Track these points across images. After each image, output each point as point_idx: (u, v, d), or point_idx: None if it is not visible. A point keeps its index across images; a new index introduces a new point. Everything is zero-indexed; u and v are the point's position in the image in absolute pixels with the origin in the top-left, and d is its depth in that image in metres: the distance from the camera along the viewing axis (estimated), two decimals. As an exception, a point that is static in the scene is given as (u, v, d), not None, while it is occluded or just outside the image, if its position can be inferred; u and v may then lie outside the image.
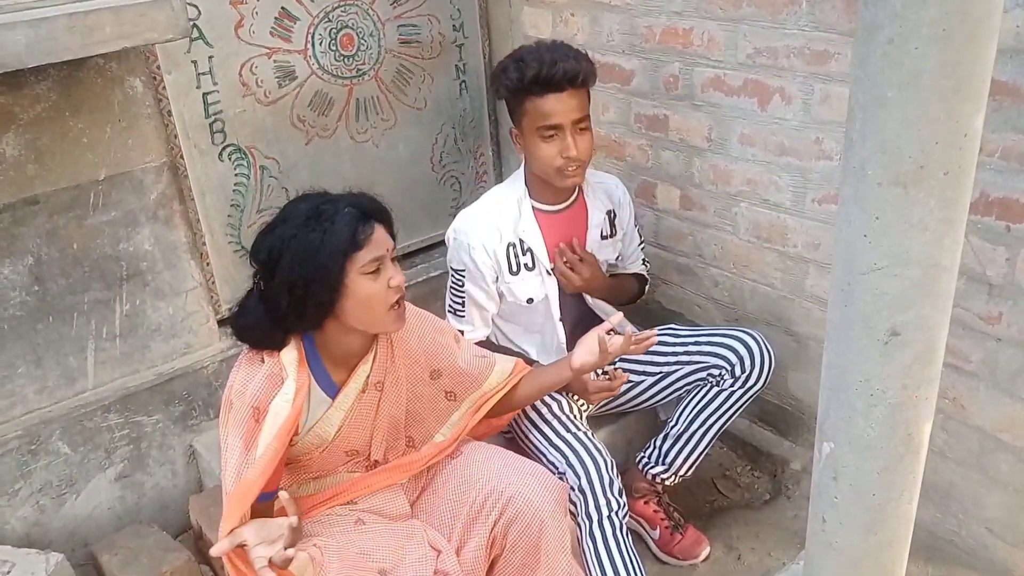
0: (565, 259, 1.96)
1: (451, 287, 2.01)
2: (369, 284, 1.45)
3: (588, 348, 1.74)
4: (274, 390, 1.47)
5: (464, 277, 1.96)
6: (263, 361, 1.49)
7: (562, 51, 1.83)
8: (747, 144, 2.05)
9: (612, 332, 1.79)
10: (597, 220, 2.04)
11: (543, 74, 1.79)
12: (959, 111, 0.91)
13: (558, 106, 1.81)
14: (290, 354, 1.49)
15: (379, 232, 1.47)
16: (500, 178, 2.81)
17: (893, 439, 1.13)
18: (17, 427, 1.93)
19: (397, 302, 1.49)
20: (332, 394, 1.56)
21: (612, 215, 2.07)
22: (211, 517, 2.03)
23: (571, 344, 2.05)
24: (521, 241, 1.95)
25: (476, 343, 1.98)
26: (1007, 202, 1.60)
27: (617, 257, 2.12)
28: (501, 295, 1.99)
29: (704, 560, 2.05)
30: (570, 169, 1.86)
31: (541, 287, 1.98)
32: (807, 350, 2.13)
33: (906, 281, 1.01)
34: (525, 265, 1.96)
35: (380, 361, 1.60)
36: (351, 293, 1.44)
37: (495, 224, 1.94)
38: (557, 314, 2.01)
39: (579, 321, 2.07)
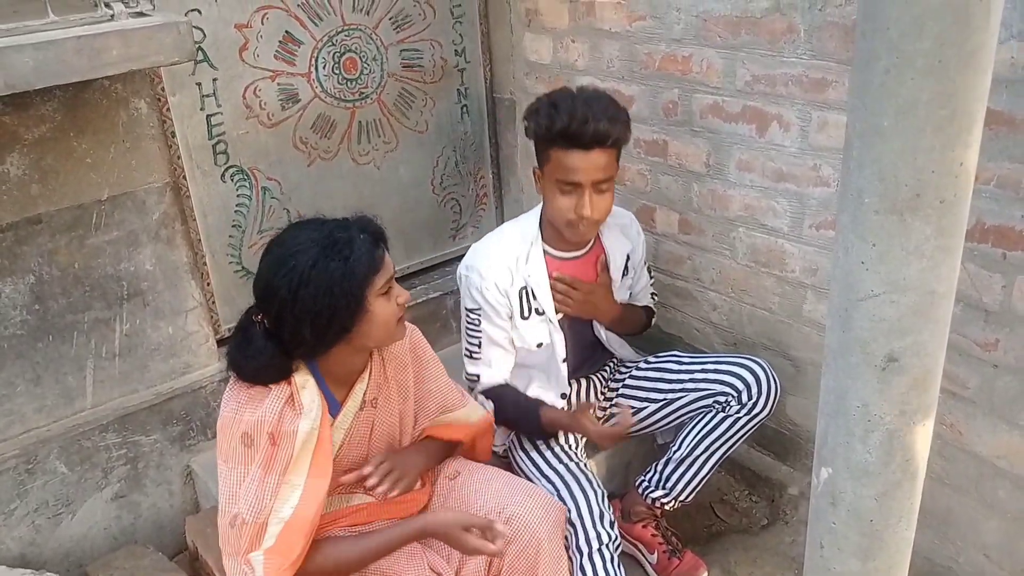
0: (559, 291, 1.94)
1: (466, 329, 1.95)
2: (385, 304, 1.49)
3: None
4: (290, 414, 1.46)
5: (479, 315, 1.91)
6: (270, 388, 1.48)
7: (599, 107, 1.75)
8: (745, 170, 2.07)
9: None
10: (618, 263, 2.02)
11: (571, 129, 1.73)
12: (954, 140, 0.93)
13: (581, 164, 1.75)
14: (303, 377, 1.49)
15: (386, 254, 1.51)
16: (500, 201, 2.83)
17: (891, 465, 1.13)
18: (15, 446, 1.93)
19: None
20: (335, 414, 1.57)
21: (628, 258, 2.05)
22: (207, 538, 2.01)
23: (572, 378, 2.07)
24: (531, 288, 1.92)
25: (493, 386, 1.95)
26: (1003, 230, 1.62)
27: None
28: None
29: (702, 585, 2.04)
30: (581, 226, 1.83)
31: (548, 334, 1.96)
32: (805, 375, 2.14)
33: (903, 307, 1.02)
34: (536, 310, 1.93)
35: (374, 378, 1.62)
36: (371, 315, 1.47)
37: (506, 265, 1.90)
38: (561, 356, 1.99)
39: (584, 359, 2.08)
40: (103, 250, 1.96)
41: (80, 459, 2.01)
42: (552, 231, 1.93)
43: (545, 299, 1.93)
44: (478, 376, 1.95)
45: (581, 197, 1.79)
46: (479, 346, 1.94)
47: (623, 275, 2.06)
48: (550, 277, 1.93)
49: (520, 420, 1.94)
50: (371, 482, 1.57)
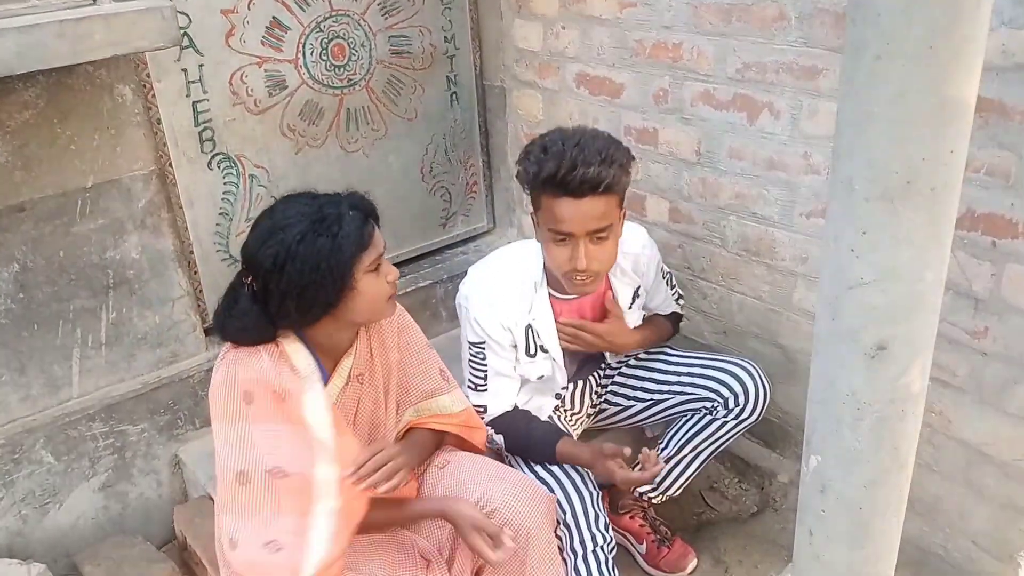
0: (567, 335, 1.89)
1: (470, 361, 1.88)
2: (373, 281, 1.49)
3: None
4: (289, 373, 1.48)
5: (484, 348, 1.85)
6: (260, 351, 1.49)
7: (591, 151, 1.62)
8: (736, 158, 2.06)
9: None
10: (626, 298, 1.95)
11: (559, 176, 1.61)
12: (945, 128, 0.93)
13: (572, 213, 1.63)
14: (293, 344, 1.51)
15: (376, 231, 1.51)
16: (490, 189, 2.81)
17: (880, 452, 1.13)
18: (0, 436, 1.91)
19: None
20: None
21: (637, 289, 1.98)
22: (196, 527, 2.01)
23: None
24: (537, 330, 1.87)
25: (500, 416, 1.90)
26: (993, 217, 1.62)
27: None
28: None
29: (691, 573, 2.05)
30: (578, 279, 1.72)
31: (551, 367, 1.93)
32: (795, 363, 2.14)
33: (893, 295, 1.02)
34: (541, 347, 1.89)
35: (361, 354, 1.62)
36: (358, 291, 1.47)
37: (510, 303, 1.83)
38: (561, 384, 1.97)
39: (581, 366, 2.06)
40: (88, 238, 1.94)
41: (67, 449, 2.00)
42: (554, 276, 1.84)
43: (550, 340, 1.88)
44: (485, 407, 1.89)
45: (576, 248, 1.67)
46: (485, 379, 1.88)
47: (632, 302, 1.99)
48: (556, 320, 1.88)
49: (531, 450, 1.88)
50: (363, 471, 1.47)
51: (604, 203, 1.65)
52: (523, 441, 1.88)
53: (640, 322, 2.03)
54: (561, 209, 1.65)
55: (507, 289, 1.84)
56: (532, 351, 1.89)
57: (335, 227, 1.43)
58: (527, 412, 1.93)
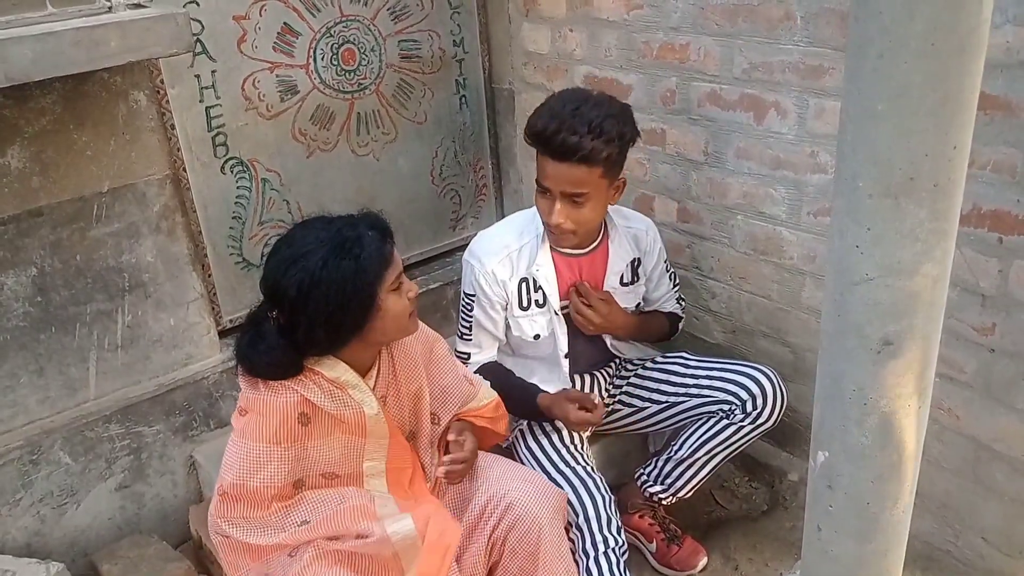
0: (580, 298, 1.93)
1: (461, 310, 2.01)
2: (396, 299, 1.51)
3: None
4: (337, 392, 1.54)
5: (473, 302, 1.96)
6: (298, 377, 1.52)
7: (582, 119, 1.69)
8: (743, 158, 2.07)
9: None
10: (617, 268, 1.99)
11: (542, 136, 1.72)
12: (948, 124, 0.94)
13: (550, 171, 1.74)
14: (326, 361, 1.53)
15: (394, 249, 1.52)
16: (499, 191, 2.83)
17: (887, 448, 1.14)
18: (19, 437, 1.94)
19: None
20: None
21: (636, 263, 2.04)
22: (211, 527, 2.03)
23: (576, 373, 2.08)
24: (534, 279, 1.93)
25: (483, 365, 1.99)
26: (999, 214, 1.62)
27: (637, 305, 2.08)
28: (508, 327, 1.99)
29: (702, 571, 2.06)
30: (553, 231, 1.84)
31: (548, 325, 1.97)
32: (804, 361, 2.15)
33: (898, 291, 1.03)
34: (536, 302, 1.94)
35: (383, 375, 1.62)
36: (383, 311, 1.49)
37: (508, 256, 1.92)
38: (564, 350, 2.00)
39: (589, 355, 2.08)
40: (104, 242, 1.97)
41: (84, 450, 2.02)
42: None
43: (550, 291, 1.93)
44: (469, 355, 2.02)
45: (552, 203, 1.77)
46: (470, 328, 2.00)
47: (631, 282, 2.04)
48: (571, 285, 1.95)
49: (511, 397, 1.92)
50: (447, 470, 1.65)
51: (583, 172, 1.72)
52: (504, 387, 1.92)
53: (633, 305, 2.06)
54: (543, 164, 1.76)
55: (507, 242, 1.93)
56: (525, 304, 1.94)
57: (356, 249, 1.44)
58: (506, 367, 2.02)
